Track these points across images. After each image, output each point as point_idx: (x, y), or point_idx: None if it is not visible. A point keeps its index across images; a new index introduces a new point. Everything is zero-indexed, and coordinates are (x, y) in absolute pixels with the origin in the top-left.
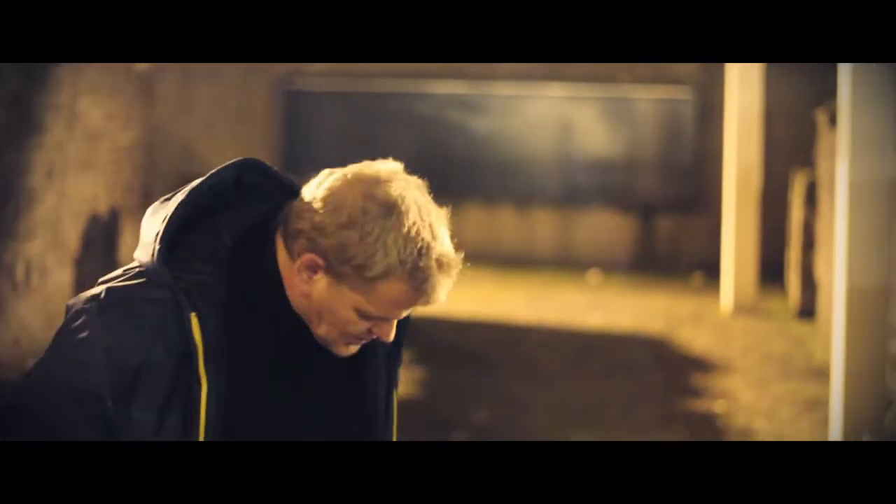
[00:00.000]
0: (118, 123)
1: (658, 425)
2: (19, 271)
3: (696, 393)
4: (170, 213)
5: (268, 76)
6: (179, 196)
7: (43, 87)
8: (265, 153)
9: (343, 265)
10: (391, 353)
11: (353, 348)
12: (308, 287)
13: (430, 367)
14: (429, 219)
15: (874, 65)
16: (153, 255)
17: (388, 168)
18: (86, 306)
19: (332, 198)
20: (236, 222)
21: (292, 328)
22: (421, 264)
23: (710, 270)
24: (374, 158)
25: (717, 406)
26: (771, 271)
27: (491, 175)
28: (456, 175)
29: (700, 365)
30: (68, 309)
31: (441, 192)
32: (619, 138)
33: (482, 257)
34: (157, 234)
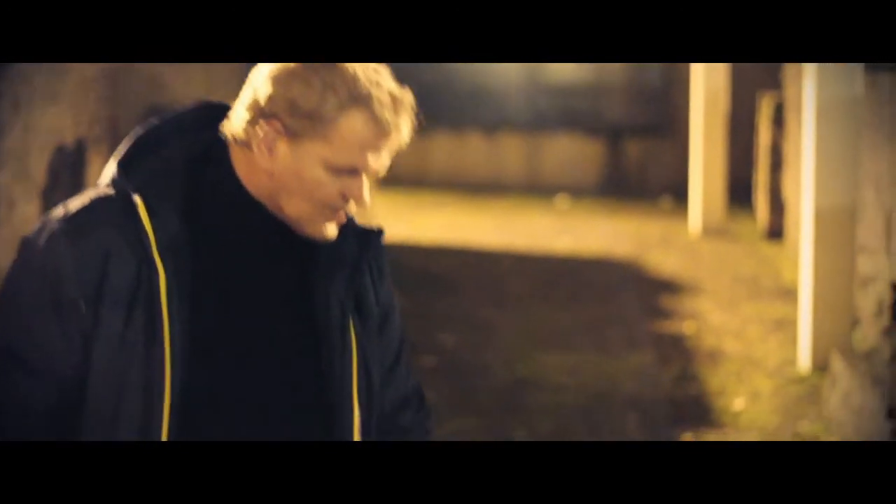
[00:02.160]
0: None
1: (627, 347)
2: None
3: (665, 315)
4: (128, 140)
5: None
6: (138, 129)
7: None
8: (237, 87)
9: (298, 119)
10: (362, 306)
11: (332, 229)
12: (271, 163)
13: (398, 292)
14: (371, 65)
15: None
16: (110, 170)
17: None
18: (45, 220)
19: (271, 75)
20: (193, 144)
21: (256, 226)
22: (374, 93)
23: (679, 193)
24: None
25: (686, 327)
26: (739, 193)
27: (458, 101)
28: (423, 102)
29: (669, 287)
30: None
31: None
32: (586, 63)
33: (450, 184)
34: (115, 155)
